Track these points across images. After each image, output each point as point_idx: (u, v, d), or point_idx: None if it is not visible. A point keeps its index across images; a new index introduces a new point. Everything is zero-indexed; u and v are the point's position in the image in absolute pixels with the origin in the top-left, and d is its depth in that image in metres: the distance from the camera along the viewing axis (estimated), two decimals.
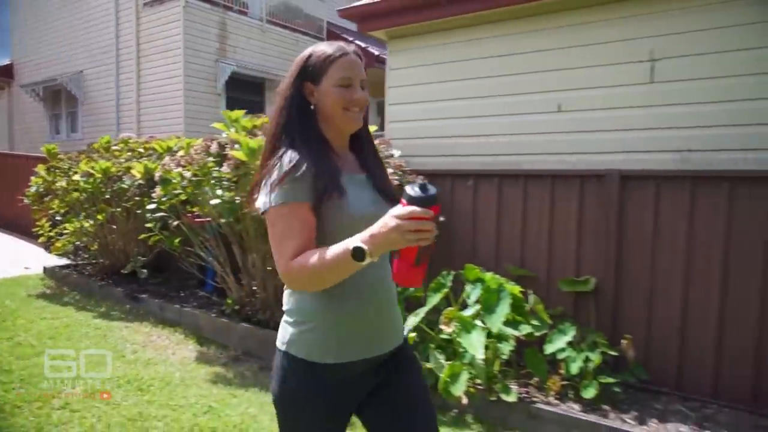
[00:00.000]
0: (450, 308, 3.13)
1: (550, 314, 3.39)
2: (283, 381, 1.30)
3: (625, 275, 3.41)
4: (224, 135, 4.02)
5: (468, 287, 3.21)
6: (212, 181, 3.82)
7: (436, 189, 1.12)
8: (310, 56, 1.31)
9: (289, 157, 1.22)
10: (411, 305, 3.47)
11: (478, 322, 2.98)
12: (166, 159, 4.07)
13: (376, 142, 4.18)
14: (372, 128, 4.21)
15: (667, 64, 3.53)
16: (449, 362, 2.99)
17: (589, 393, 3.01)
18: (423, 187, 1.11)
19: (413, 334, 3.22)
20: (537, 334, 3.25)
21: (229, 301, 4.40)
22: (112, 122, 10.75)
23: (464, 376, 2.84)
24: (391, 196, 1.37)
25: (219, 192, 3.77)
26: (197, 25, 9.64)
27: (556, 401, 3.11)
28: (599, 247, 3.48)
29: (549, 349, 3.12)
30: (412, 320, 3.17)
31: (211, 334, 4.31)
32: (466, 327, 2.95)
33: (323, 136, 1.31)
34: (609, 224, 3.42)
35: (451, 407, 3.07)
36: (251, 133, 3.82)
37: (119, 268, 5.62)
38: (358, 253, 1.10)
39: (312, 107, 1.31)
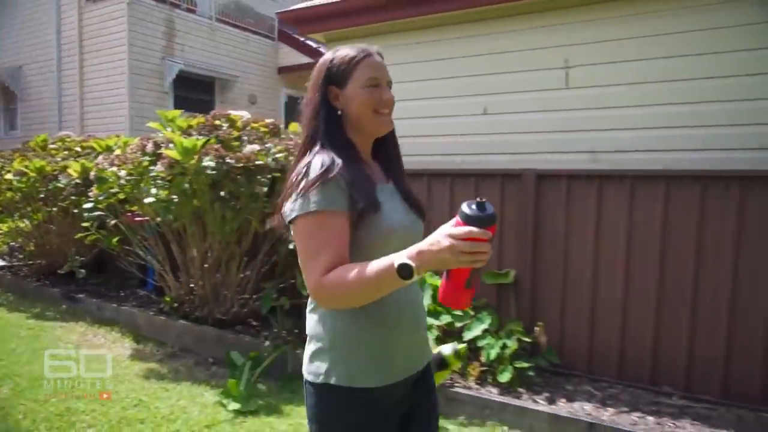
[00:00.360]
0: None
1: (474, 305, 3.61)
2: (337, 417, 1.18)
3: (541, 267, 3.67)
4: (161, 134, 4.06)
5: None
6: (150, 180, 3.86)
7: (493, 208, 1.04)
8: (332, 60, 1.25)
9: (321, 159, 1.15)
10: None
11: None
12: (100, 158, 4.08)
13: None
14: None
15: (580, 71, 3.81)
16: None
17: (505, 377, 3.24)
18: (480, 206, 1.02)
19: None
20: (458, 324, 3.46)
21: (168, 299, 4.43)
22: (54, 120, 10.44)
23: None
24: (418, 205, 1.33)
25: (154, 191, 3.81)
26: (143, 22, 9.50)
27: (477, 386, 3.33)
28: (519, 241, 3.72)
29: (467, 336, 3.33)
30: None
31: (149, 332, 4.34)
32: None
33: (352, 142, 1.25)
34: (527, 220, 3.67)
35: None
36: (186, 132, 3.88)
37: (57, 268, 5.53)
38: (404, 271, 1.02)
39: (339, 113, 1.25)
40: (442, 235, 1.01)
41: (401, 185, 1.32)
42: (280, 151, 3.84)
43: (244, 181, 3.67)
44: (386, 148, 1.34)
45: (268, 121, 4.03)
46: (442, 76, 4.30)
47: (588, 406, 3.12)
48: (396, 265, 1.03)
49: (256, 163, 3.68)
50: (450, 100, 4.28)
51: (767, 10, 3.25)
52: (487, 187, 3.86)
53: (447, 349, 1.41)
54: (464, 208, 1.02)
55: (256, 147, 3.78)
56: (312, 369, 1.21)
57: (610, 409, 3.08)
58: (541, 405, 3.08)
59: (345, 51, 1.26)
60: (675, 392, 3.27)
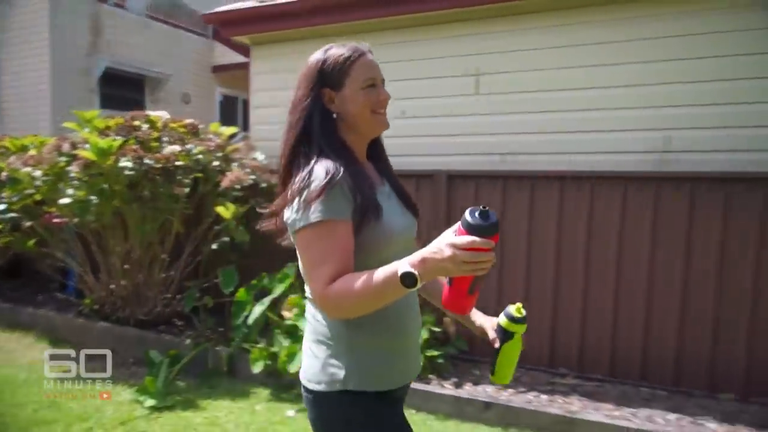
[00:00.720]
0: (293, 296, 3.43)
1: None
2: (363, 422, 1.17)
3: None
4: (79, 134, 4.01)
5: None
6: (68, 181, 3.81)
7: (496, 216, 1.03)
8: (324, 61, 1.21)
9: (325, 167, 1.12)
10: (262, 294, 3.72)
11: None
12: (12, 158, 3.98)
13: (240, 144, 4.41)
14: (233, 129, 4.41)
15: (490, 78, 4.09)
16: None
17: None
18: (484, 214, 1.01)
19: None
20: None
21: (87, 301, 4.37)
22: None
23: (299, 355, 3.14)
24: (412, 204, 1.33)
25: (71, 191, 3.77)
26: (66, 16, 9.14)
27: None
28: (433, 238, 3.95)
29: None
30: (258, 309, 3.43)
31: (68, 335, 4.26)
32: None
33: (348, 146, 1.22)
34: (440, 218, 3.91)
35: (297, 386, 3.37)
36: (104, 133, 3.86)
37: None
38: (408, 279, 1.02)
39: (334, 115, 1.22)
40: (445, 244, 1.00)
41: (396, 185, 1.32)
42: (201, 152, 3.89)
43: (164, 182, 3.70)
44: (377, 148, 1.32)
45: (187, 121, 4.06)
46: None
47: (490, 389, 3.38)
48: (399, 273, 1.02)
49: (176, 163, 3.72)
50: None
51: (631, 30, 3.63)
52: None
53: (501, 318, 1.26)
54: (467, 216, 1.01)
55: (176, 148, 3.81)
56: (325, 377, 1.18)
57: (510, 390, 3.36)
58: (446, 389, 3.32)
59: (337, 51, 1.22)
60: (570, 372, 3.59)
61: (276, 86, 4.75)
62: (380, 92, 1.23)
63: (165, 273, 4.21)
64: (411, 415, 3.07)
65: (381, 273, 1.05)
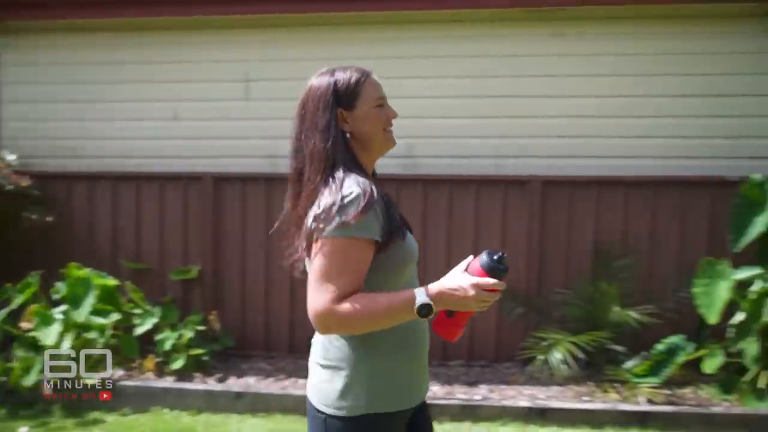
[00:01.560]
0: (34, 305, 3.24)
1: (157, 301, 3.79)
2: None
3: (223, 261, 4.03)
4: None
5: (59, 285, 3.37)
6: None
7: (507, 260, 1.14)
8: (336, 82, 1.24)
9: (358, 183, 1.14)
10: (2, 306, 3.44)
11: (58, 315, 3.17)
12: None
13: None
14: None
15: (259, 85, 4.27)
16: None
17: (178, 364, 3.50)
18: (501, 260, 1.11)
19: None
20: (139, 321, 3.60)
21: None
22: None
23: (37, 368, 3.00)
24: (406, 222, 1.34)
25: None
26: None
27: (155, 376, 3.52)
28: (202, 239, 4.02)
29: (138, 331, 3.50)
30: None
31: None
32: (46, 320, 3.11)
33: (364, 165, 1.26)
34: (207, 219, 3.99)
35: (38, 400, 3.19)
36: None
37: None
38: (425, 310, 1.09)
39: (347, 135, 1.24)
40: (469, 284, 1.08)
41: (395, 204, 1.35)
42: None
43: None
44: (373, 166, 1.35)
45: None
46: (135, 80, 4.34)
47: (252, 380, 3.58)
48: (417, 304, 1.08)
49: None
50: (143, 104, 4.35)
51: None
52: (171, 189, 4.07)
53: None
54: (488, 259, 1.11)
55: None
56: (346, 402, 1.18)
57: (270, 379, 3.58)
58: (208, 385, 3.42)
59: (346, 72, 1.26)
60: None
61: (35, 80, 4.38)
62: (389, 110, 1.29)
63: None
64: (163, 415, 3.13)
65: (398, 299, 1.10)
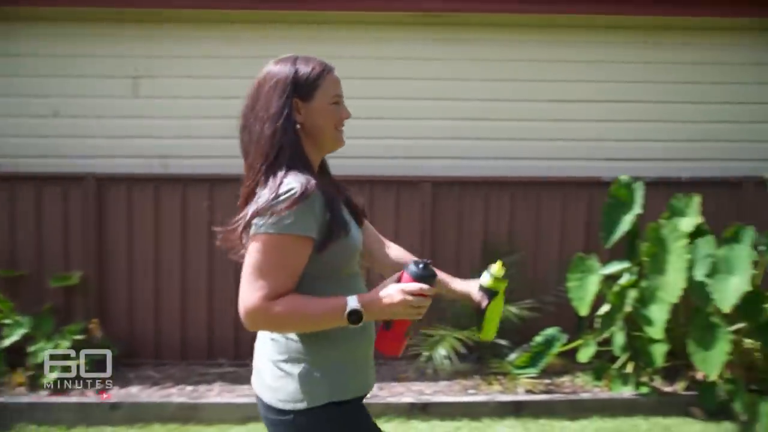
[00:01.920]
0: None
1: (36, 311, 3.56)
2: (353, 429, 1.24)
3: (108, 266, 3.84)
4: None
5: None
6: None
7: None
8: (296, 71, 1.21)
9: (298, 180, 1.13)
10: None
11: None
12: None
13: None
14: None
15: (150, 81, 4.10)
16: None
17: (52, 377, 3.30)
18: (425, 266, 1.17)
19: None
20: (6, 332, 3.36)
21: None
22: None
23: None
24: (358, 212, 1.37)
25: None
26: None
27: (27, 391, 3.30)
28: (84, 243, 3.81)
29: (5, 343, 3.28)
30: None
31: None
32: None
33: (311, 159, 1.24)
34: (90, 222, 3.79)
35: None
36: None
37: None
38: (354, 316, 1.12)
39: (298, 126, 1.21)
40: (396, 290, 1.13)
41: (343, 195, 1.35)
42: None
43: None
44: (322, 161, 1.34)
45: None
46: (8, 74, 4.05)
47: (136, 389, 3.43)
48: (347, 310, 1.12)
49: None
50: (20, 99, 4.07)
51: None
52: (49, 192, 3.83)
53: (483, 279, 1.33)
54: (414, 268, 1.17)
55: None
56: (306, 394, 1.18)
57: (155, 387, 3.46)
58: (81, 397, 3.25)
59: (309, 64, 1.24)
60: (227, 362, 3.86)
61: None
62: (344, 109, 1.28)
63: None
64: (32, 431, 2.95)
65: (329, 304, 1.13)
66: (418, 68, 3.99)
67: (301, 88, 1.21)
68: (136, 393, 3.36)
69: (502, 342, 3.59)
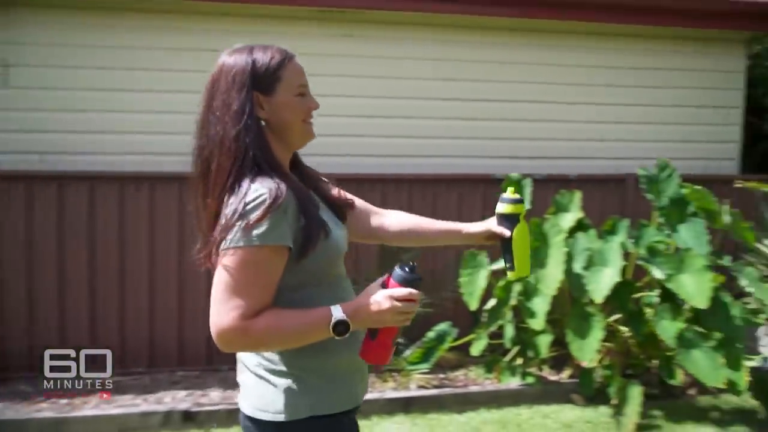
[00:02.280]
0: None
1: None
2: None
3: None
4: None
5: None
6: None
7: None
8: (254, 62, 1.10)
9: (266, 186, 1.03)
10: None
11: None
12: None
13: None
14: None
15: (23, 71, 3.78)
16: None
17: None
18: (412, 269, 1.09)
19: None
20: None
21: None
22: None
23: None
24: (339, 207, 1.26)
25: None
26: None
27: None
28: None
29: None
30: None
31: None
32: None
33: (280, 159, 1.14)
34: None
35: None
36: None
37: None
38: (341, 327, 1.04)
39: (262, 123, 1.11)
40: (383, 297, 1.05)
41: (322, 191, 1.26)
42: None
43: None
44: (294, 156, 1.24)
45: None
46: None
47: (1, 405, 3.16)
48: (333, 321, 1.03)
49: None
50: None
51: None
52: None
53: (500, 207, 1.25)
54: (399, 271, 1.08)
55: None
56: (287, 406, 1.10)
57: (24, 403, 3.19)
58: None
59: (266, 53, 1.12)
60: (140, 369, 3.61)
61: None
62: (311, 101, 1.17)
63: None
64: None
65: (312, 316, 1.06)
66: (317, 65, 3.93)
67: (261, 81, 1.10)
68: (3, 409, 3.09)
69: (400, 339, 3.60)
